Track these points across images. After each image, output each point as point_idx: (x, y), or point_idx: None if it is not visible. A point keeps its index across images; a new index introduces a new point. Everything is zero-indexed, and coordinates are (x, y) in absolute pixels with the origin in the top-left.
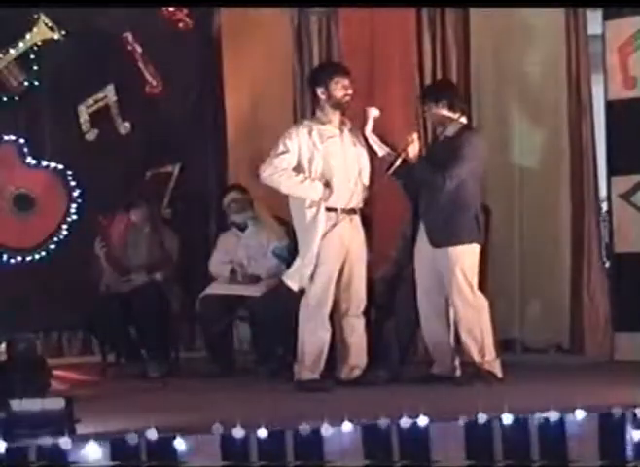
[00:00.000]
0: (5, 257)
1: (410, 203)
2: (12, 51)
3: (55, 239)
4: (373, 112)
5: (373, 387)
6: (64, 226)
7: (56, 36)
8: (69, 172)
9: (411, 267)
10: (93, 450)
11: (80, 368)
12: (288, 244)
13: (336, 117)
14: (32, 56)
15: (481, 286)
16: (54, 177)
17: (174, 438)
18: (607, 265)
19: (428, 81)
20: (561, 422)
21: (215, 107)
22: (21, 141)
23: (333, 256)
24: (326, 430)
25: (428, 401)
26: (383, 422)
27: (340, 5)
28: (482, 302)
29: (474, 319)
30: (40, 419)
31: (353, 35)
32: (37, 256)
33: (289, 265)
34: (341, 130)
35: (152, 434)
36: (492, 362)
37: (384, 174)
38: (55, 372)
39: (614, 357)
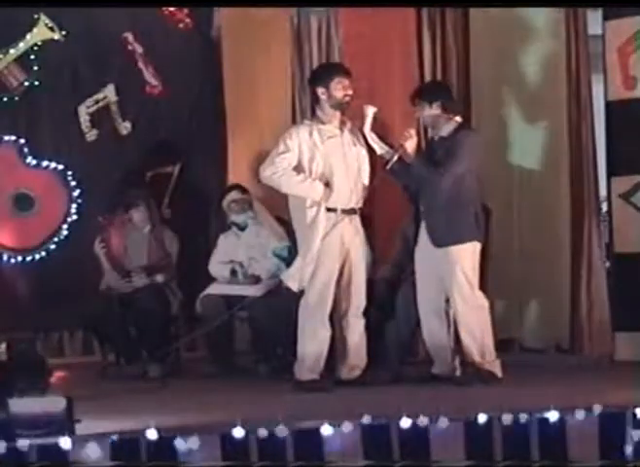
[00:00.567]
0: (5, 257)
1: (411, 203)
2: (12, 51)
3: (55, 239)
4: (371, 110)
5: (373, 387)
6: (64, 226)
7: (56, 36)
8: (69, 172)
9: (411, 267)
10: (93, 450)
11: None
12: (288, 244)
13: (336, 117)
14: (32, 56)
15: (481, 286)
16: (54, 177)
17: (174, 438)
18: (607, 265)
19: (428, 81)
20: (561, 422)
21: (215, 107)
22: (21, 141)
23: (332, 256)
24: (326, 430)
25: (428, 401)
26: (383, 422)
27: (340, 5)
28: (483, 302)
29: (474, 319)
30: (40, 419)
31: (353, 35)
32: (37, 256)
33: (289, 265)
34: (342, 130)
35: (152, 434)
36: (492, 362)
37: (383, 172)
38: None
39: (614, 357)
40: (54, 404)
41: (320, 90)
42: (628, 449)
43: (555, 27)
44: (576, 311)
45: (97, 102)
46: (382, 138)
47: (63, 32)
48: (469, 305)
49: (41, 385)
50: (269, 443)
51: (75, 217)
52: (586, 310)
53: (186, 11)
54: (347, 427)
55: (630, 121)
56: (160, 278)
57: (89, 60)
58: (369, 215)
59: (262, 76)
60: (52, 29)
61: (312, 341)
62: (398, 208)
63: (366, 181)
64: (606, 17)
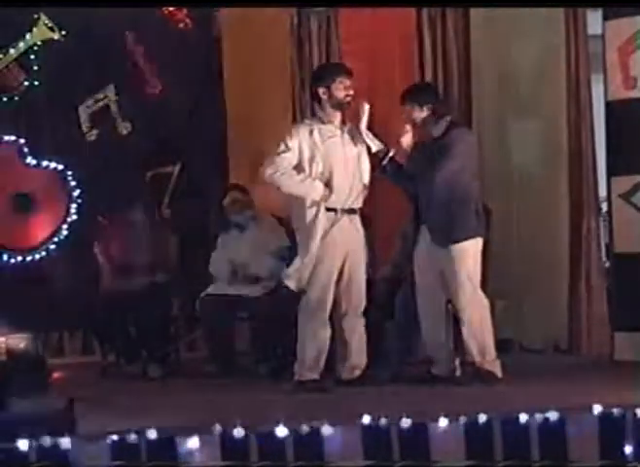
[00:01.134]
0: (5, 257)
1: (411, 203)
2: (12, 51)
3: (55, 239)
4: (367, 107)
5: (372, 387)
6: (64, 226)
7: (56, 36)
8: (69, 172)
9: (411, 267)
10: (93, 450)
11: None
12: (288, 244)
13: (336, 117)
14: (32, 56)
15: (481, 286)
16: (54, 177)
17: (174, 438)
18: (607, 265)
19: (428, 81)
20: (561, 422)
21: (215, 107)
22: (21, 141)
23: (332, 256)
24: (326, 430)
25: (428, 401)
26: (383, 422)
27: (340, 5)
28: (484, 302)
29: (476, 319)
30: (40, 419)
31: (353, 35)
32: (37, 256)
33: (289, 265)
34: (342, 130)
35: (152, 434)
36: (492, 362)
37: (377, 172)
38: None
39: (613, 357)
40: (54, 404)
41: (321, 90)
42: (628, 450)
43: (555, 27)
44: (574, 311)
45: (97, 102)
46: (380, 137)
47: (63, 32)
48: (471, 304)
49: (41, 385)
50: (269, 443)
51: (75, 217)
52: (585, 310)
53: (186, 11)
54: (347, 427)
55: (630, 121)
56: (159, 278)
57: (89, 60)
58: (369, 215)
59: (262, 76)
60: (52, 29)
61: (312, 342)
62: (398, 208)
63: (366, 181)
64: (606, 17)
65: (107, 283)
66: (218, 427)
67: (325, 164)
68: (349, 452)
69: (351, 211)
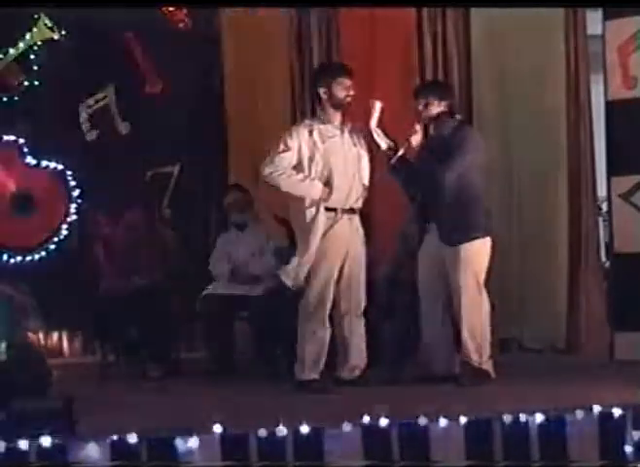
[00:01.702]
0: (5, 257)
1: (411, 203)
2: (12, 51)
3: (55, 239)
4: (378, 105)
5: (373, 387)
6: (64, 226)
7: (56, 36)
8: (69, 172)
9: (412, 266)
10: (93, 450)
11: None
12: (288, 244)
13: (336, 117)
14: (32, 56)
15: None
16: (54, 177)
17: (174, 438)
18: (606, 265)
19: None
20: (561, 422)
21: (215, 107)
22: (21, 141)
23: (332, 256)
24: (326, 430)
25: (428, 401)
26: (383, 422)
27: (340, 5)
28: (486, 301)
29: (478, 319)
30: (40, 419)
31: (353, 35)
32: (37, 256)
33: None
34: (342, 130)
35: (152, 434)
36: (487, 361)
37: (384, 172)
38: None
39: (614, 357)
40: (54, 404)
41: (322, 90)
42: (628, 449)
43: (555, 27)
44: (573, 311)
45: (97, 102)
46: (387, 134)
47: (63, 32)
48: (475, 304)
49: (41, 385)
50: (269, 443)
51: (75, 217)
52: (584, 310)
53: (186, 11)
54: (347, 427)
55: (630, 121)
56: (159, 278)
57: (89, 60)
58: (369, 215)
59: (262, 76)
60: (52, 29)
61: (312, 341)
62: (398, 208)
63: (366, 181)
64: (606, 17)
65: (107, 283)
66: (218, 427)
67: (324, 164)
68: (349, 452)
69: (351, 211)
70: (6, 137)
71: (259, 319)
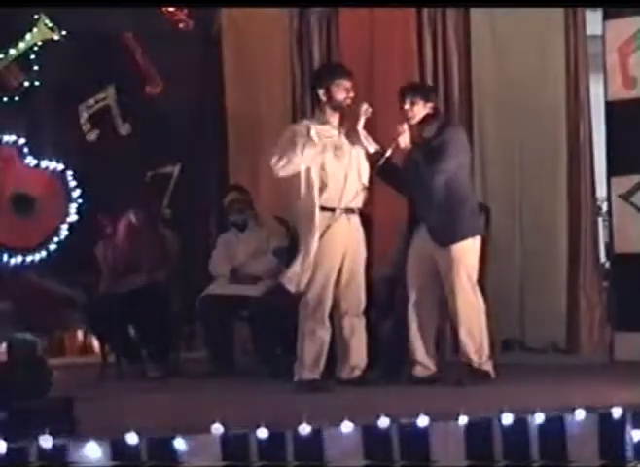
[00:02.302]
0: (5, 257)
1: (410, 203)
2: (12, 51)
3: (55, 239)
4: (366, 108)
5: (373, 387)
6: (64, 226)
7: (56, 36)
8: (69, 172)
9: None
10: (93, 450)
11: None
12: (288, 244)
13: (335, 118)
14: (32, 56)
15: (480, 285)
16: (54, 177)
17: (174, 438)
18: (606, 265)
19: (428, 81)
20: (561, 422)
21: (215, 107)
22: (21, 141)
23: (331, 256)
24: (326, 430)
25: (428, 401)
26: (383, 422)
27: (340, 5)
28: (481, 301)
29: (474, 319)
30: (40, 419)
31: (353, 35)
32: (37, 256)
33: (288, 265)
34: (340, 131)
35: (152, 434)
36: (487, 362)
37: (374, 171)
38: None
39: (614, 357)
40: (54, 404)
41: (321, 92)
42: (628, 450)
43: (555, 27)
44: (573, 311)
45: (97, 102)
46: (379, 138)
47: (63, 32)
48: (469, 304)
49: (41, 385)
50: (269, 443)
51: (75, 217)
52: (584, 310)
53: (186, 11)
54: (347, 427)
55: (630, 121)
56: (159, 278)
57: (89, 60)
58: (369, 215)
59: (262, 76)
60: (52, 29)
61: (311, 341)
62: (398, 208)
63: (365, 181)
64: (606, 17)
65: (107, 283)
66: (218, 427)
67: (322, 165)
68: (349, 452)
69: (350, 211)
70: (6, 137)
71: (259, 319)
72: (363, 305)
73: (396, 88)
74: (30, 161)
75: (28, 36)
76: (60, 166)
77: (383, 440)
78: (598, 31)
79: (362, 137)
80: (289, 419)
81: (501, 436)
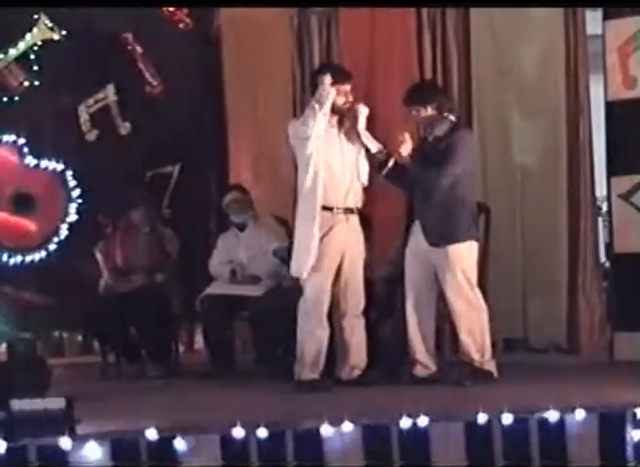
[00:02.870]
0: (5, 257)
1: (408, 201)
2: (12, 51)
3: (55, 239)
4: (365, 109)
5: (373, 387)
6: (64, 226)
7: (56, 36)
8: (69, 172)
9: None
10: (93, 450)
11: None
12: (288, 244)
13: (334, 118)
14: (32, 56)
15: (481, 286)
16: (54, 177)
17: (174, 438)
18: (606, 265)
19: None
20: (561, 422)
21: (215, 107)
22: (21, 141)
23: (329, 256)
24: (326, 430)
25: (428, 401)
26: (383, 422)
27: (340, 5)
28: (481, 301)
29: (474, 319)
30: (40, 419)
31: (353, 35)
32: (37, 256)
33: (288, 266)
34: (339, 130)
35: (152, 434)
36: (489, 361)
37: (377, 174)
38: None
39: (614, 357)
40: (54, 404)
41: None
42: (628, 450)
43: (555, 27)
44: (574, 311)
45: (97, 102)
46: (380, 138)
47: (63, 32)
48: (470, 304)
49: (41, 385)
50: (269, 443)
51: (75, 217)
52: (584, 310)
53: (186, 11)
54: (347, 427)
55: (630, 121)
56: (159, 278)
57: (89, 60)
58: (368, 215)
59: (262, 76)
60: (52, 29)
61: (311, 341)
62: (398, 208)
63: (364, 180)
64: (606, 17)
65: (107, 283)
66: (218, 427)
67: (322, 164)
68: (349, 452)
69: (349, 211)
70: (6, 137)
71: (259, 319)
72: (362, 305)
73: (396, 87)
74: (30, 160)
75: (28, 36)
76: (60, 166)
77: (383, 440)
78: (598, 31)
79: (364, 137)
80: (289, 419)
81: (501, 436)
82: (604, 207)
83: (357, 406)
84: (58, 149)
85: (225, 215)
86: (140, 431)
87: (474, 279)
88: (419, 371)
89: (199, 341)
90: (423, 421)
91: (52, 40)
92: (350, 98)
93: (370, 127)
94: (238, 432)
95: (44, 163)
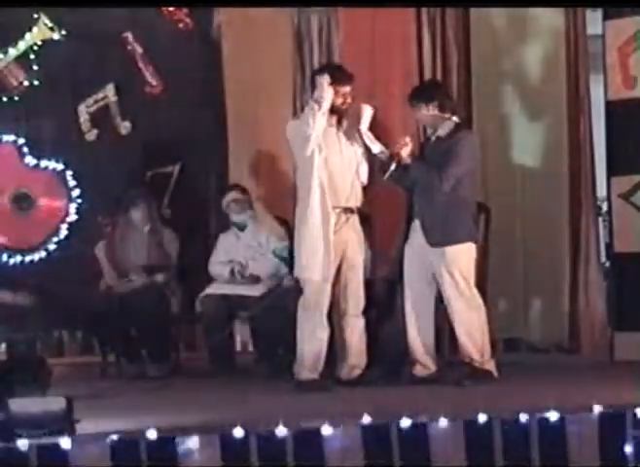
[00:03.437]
0: (5, 257)
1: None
2: (12, 51)
3: (55, 239)
4: (369, 109)
5: (373, 387)
6: (64, 226)
7: (56, 36)
8: (69, 172)
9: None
10: (93, 450)
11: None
12: (288, 244)
13: (333, 118)
14: (32, 56)
15: (482, 286)
16: (54, 177)
17: (174, 438)
18: (606, 265)
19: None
20: (561, 422)
21: (215, 107)
22: (21, 141)
23: None
24: (326, 430)
25: (428, 401)
26: (383, 422)
27: (340, 5)
28: (480, 301)
29: (473, 319)
30: (40, 419)
31: (353, 35)
32: (37, 256)
33: (289, 265)
34: (339, 130)
35: (152, 434)
36: (489, 361)
37: (379, 176)
38: None
39: (614, 357)
40: (54, 404)
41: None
42: (628, 450)
43: (555, 27)
44: (574, 311)
45: (97, 102)
46: (380, 139)
47: (63, 32)
48: (468, 304)
49: (41, 385)
50: (269, 443)
51: (75, 217)
52: (585, 310)
53: (186, 11)
54: (347, 427)
55: (630, 121)
56: (159, 278)
57: (89, 60)
58: (369, 215)
59: (262, 76)
60: (52, 29)
61: (311, 341)
62: (398, 208)
63: (364, 180)
64: (606, 17)
65: (107, 283)
66: (218, 427)
67: (322, 164)
68: (349, 452)
69: (349, 210)
70: (6, 137)
71: (259, 319)
72: (362, 305)
73: (396, 87)
74: (30, 160)
75: (28, 36)
76: (60, 166)
77: (383, 440)
78: (598, 31)
79: (365, 138)
80: (289, 419)
81: (501, 436)
82: (604, 207)
83: (357, 406)
84: (58, 149)
85: (225, 215)
86: (140, 431)
87: (472, 279)
88: (419, 370)
89: (199, 341)
90: (423, 421)
91: (51, 40)
92: (349, 99)
93: (369, 127)
94: (238, 432)
95: (44, 163)
